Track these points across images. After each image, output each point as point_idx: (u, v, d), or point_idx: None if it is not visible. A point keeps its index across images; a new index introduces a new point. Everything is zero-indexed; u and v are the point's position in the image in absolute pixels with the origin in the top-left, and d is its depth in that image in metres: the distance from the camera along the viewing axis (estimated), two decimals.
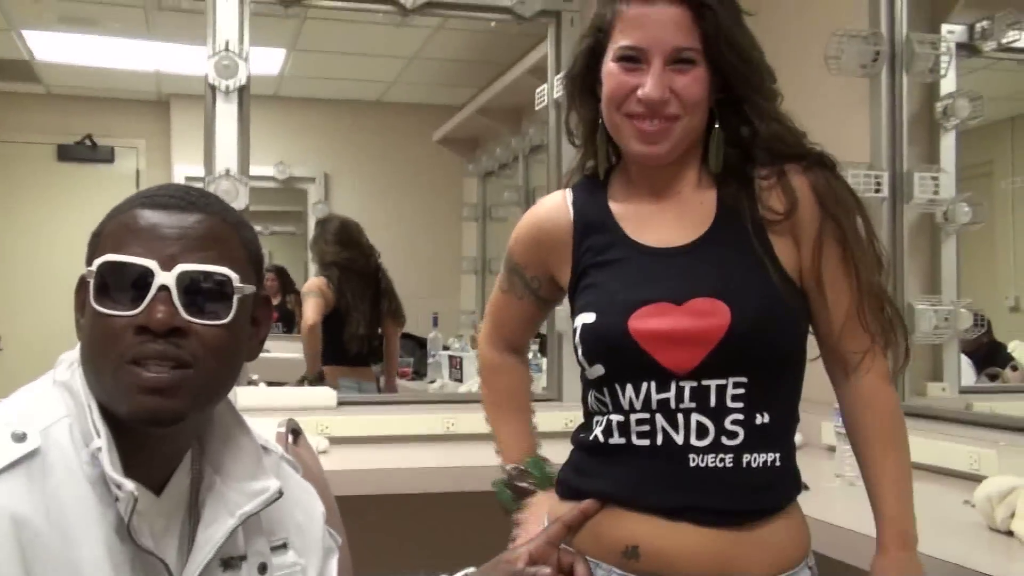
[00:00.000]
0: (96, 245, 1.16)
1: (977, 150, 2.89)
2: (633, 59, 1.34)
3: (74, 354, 1.19)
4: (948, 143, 2.78)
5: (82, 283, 1.17)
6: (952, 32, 2.76)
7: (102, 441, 1.08)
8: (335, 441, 2.85)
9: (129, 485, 1.06)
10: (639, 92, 1.33)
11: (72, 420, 1.12)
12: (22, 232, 6.15)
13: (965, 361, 2.87)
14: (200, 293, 1.12)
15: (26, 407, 1.13)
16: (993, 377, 2.98)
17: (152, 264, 1.10)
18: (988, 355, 2.93)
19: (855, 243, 1.36)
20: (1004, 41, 2.71)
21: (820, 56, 2.73)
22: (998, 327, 2.87)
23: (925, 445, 2.44)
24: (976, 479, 2.08)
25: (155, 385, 1.09)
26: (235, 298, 1.14)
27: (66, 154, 6.34)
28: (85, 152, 6.34)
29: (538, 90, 3.54)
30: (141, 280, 1.10)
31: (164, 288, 1.09)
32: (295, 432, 1.72)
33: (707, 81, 1.34)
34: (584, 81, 1.44)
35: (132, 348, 1.09)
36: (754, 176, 1.37)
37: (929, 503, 2.18)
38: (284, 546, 1.31)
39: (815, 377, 1.41)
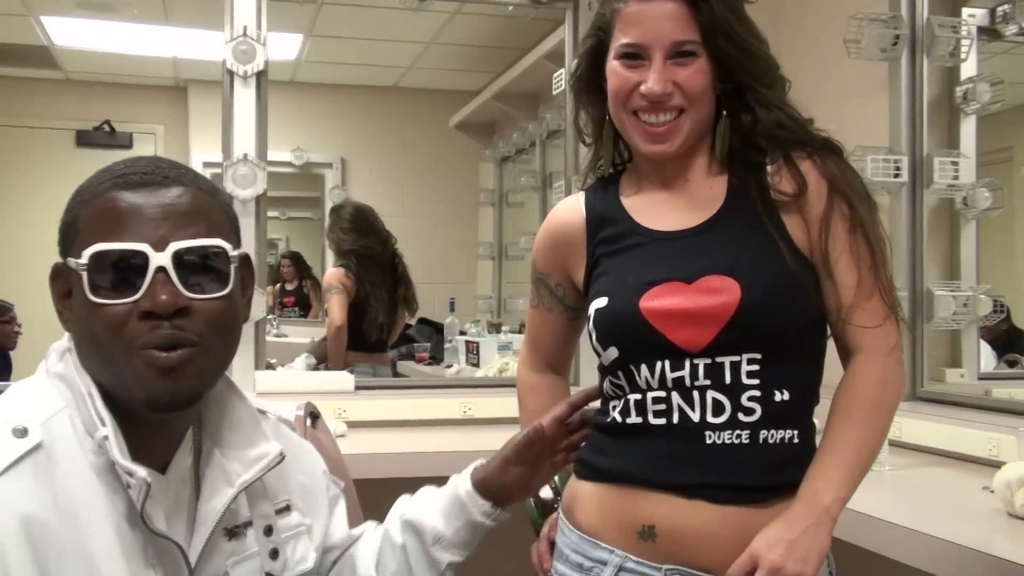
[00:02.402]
0: (75, 235, 1.13)
1: (997, 135, 2.86)
2: (634, 56, 1.37)
3: (64, 344, 1.18)
4: (968, 128, 2.76)
5: (58, 273, 1.16)
6: (973, 16, 2.74)
7: (108, 429, 1.08)
8: (352, 425, 2.86)
9: (141, 472, 1.06)
10: (642, 87, 1.36)
11: (72, 410, 1.11)
12: (42, 217, 6.16)
13: (985, 348, 2.86)
14: (196, 269, 1.11)
15: (23, 402, 1.13)
16: (1012, 363, 2.96)
17: (144, 247, 1.09)
18: (1008, 341, 2.92)
19: (868, 221, 1.36)
20: None
21: (840, 40, 2.71)
22: (1017, 313, 2.86)
23: (943, 431, 2.44)
24: (995, 465, 2.07)
25: (170, 364, 1.08)
26: (232, 268, 1.14)
27: (85, 140, 6.35)
28: (104, 138, 6.36)
29: (555, 75, 3.53)
30: (135, 265, 1.09)
31: (161, 270, 1.09)
32: (313, 415, 1.72)
33: (709, 72, 1.37)
34: (590, 80, 1.47)
35: (141, 335, 1.08)
36: (761, 162, 1.39)
37: (948, 489, 2.19)
38: (288, 508, 1.32)
39: (837, 363, 1.41)
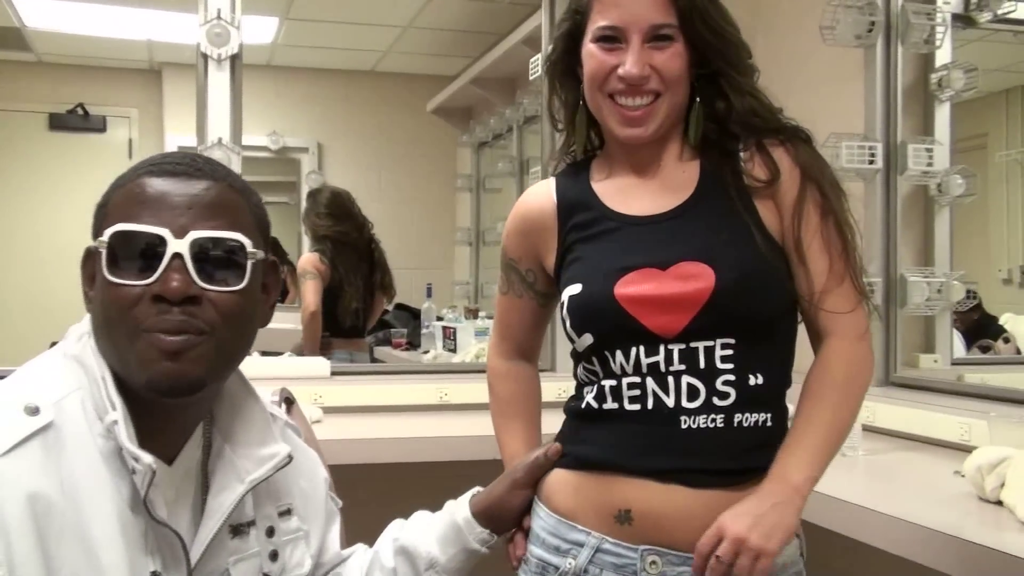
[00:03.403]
0: (104, 216, 1.15)
1: (972, 122, 2.89)
2: (612, 39, 1.37)
3: (83, 327, 1.19)
4: (942, 115, 2.78)
5: (89, 255, 1.17)
6: (948, 3, 2.75)
7: (118, 414, 1.09)
8: (328, 411, 2.85)
9: (147, 458, 1.07)
10: (619, 70, 1.36)
11: (84, 393, 1.12)
12: (14, 201, 6.12)
13: (956, 336, 2.88)
14: (213, 260, 1.12)
15: (38, 380, 1.13)
16: (985, 349, 2.99)
17: (164, 232, 1.10)
18: (979, 328, 2.94)
19: (838, 207, 1.38)
20: (1000, 12, 2.71)
21: (815, 26, 2.72)
22: (991, 299, 2.89)
23: (916, 416, 2.46)
24: (966, 450, 2.10)
25: (173, 348, 1.09)
26: (248, 264, 1.15)
27: (58, 123, 6.28)
28: (77, 121, 6.29)
29: (532, 60, 3.52)
30: (153, 249, 1.10)
31: (177, 256, 1.10)
32: (288, 401, 1.72)
33: (686, 57, 1.37)
34: (565, 64, 1.47)
35: (148, 318, 1.09)
36: (735, 149, 1.40)
37: (919, 473, 2.22)
38: (288, 512, 1.33)
39: (807, 347, 1.42)
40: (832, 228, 1.37)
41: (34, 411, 1.07)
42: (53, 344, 1.20)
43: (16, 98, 6.17)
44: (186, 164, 1.16)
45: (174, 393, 1.11)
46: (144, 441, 1.09)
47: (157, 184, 1.14)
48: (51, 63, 6.27)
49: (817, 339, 1.40)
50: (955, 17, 2.75)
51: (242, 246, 1.15)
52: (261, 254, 1.18)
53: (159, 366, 1.09)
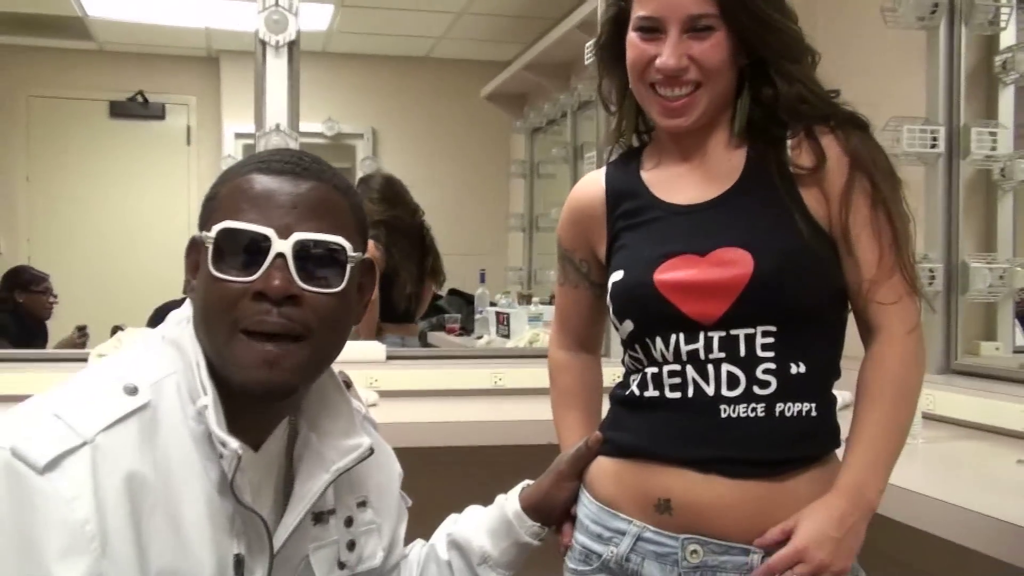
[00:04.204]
0: (212, 209, 1.18)
1: None
2: (651, 29, 1.36)
3: (183, 312, 1.21)
4: (1007, 98, 2.72)
5: (193, 244, 1.19)
6: None
7: (208, 399, 1.11)
8: (384, 394, 2.87)
9: (234, 443, 1.09)
10: (657, 62, 1.35)
11: (180, 377, 1.14)
12: (76, 188, 6.24)
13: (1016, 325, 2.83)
14: (315, 261, 1.14)
15: (137, 362, 1.16)
16: None
17: (269, 232, 1.12)
18: None
19: (890, 196, 1.35)
20: None
21: (877, 8, 2.68)
22: None
23: (977, 404, 2.42)
24: None
25: (270, 359, 1.11)
26: (348, 267, 1.17)
27: (118, 110, 6.39)
28: (137, 109, 6.39)
29: (587, 45, 3.50)
30: (257, 247, 1.12)
31: (281, 256, 1.12)
32: (347, 384, 1.73)
33: (727, 46, 1.35)
34: (613, 49, 1.46)
35: (248, 316, 1.11)
36: (782, 136, 1.37)
37: (981, 462, 2.18)
38: (364, 503, 1.35)
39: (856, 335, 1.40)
40: (883, 218, 1.34)
41: (133, 391, 1.10)
42: (116, 328, 1.22)
43: (78, 86, 6.28)
44: (293, 163, 1.18)
45: (268, 399, 1.15)
46: (233, 427, 1.12)
47: (265, 181, 1.16)
48: (112, 51, 6.38)
49: (867, 332, 1.37)
50: None
51: (343, 249, 1.16)
52: (360, 255, 1.20)
53: (254, 372, 1.11)
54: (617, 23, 1.43)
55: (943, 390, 2.51)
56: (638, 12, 1.37)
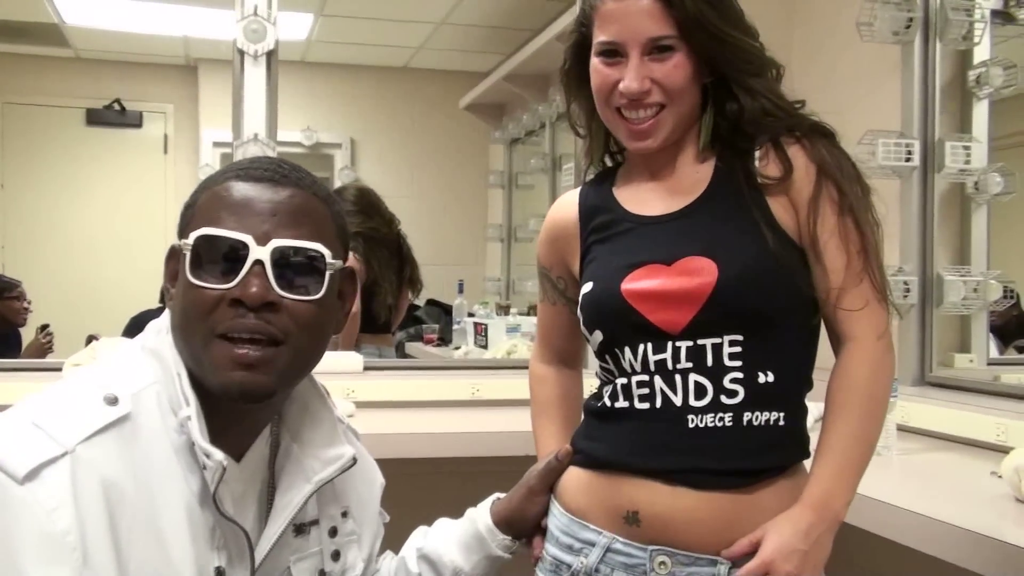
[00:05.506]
0: (191, 216, 1.17)
1: (1010, 120, 2.85)
2: (613, 53, 1.38)
3: (162, 322, 1.20)
4: (981, 112, 2.75)
5: (173, 253, 1.19)
6: None
7: (191, 410, 1.11)
8: (361, 405, 2.86)
9: (218, 455, 1.09)
10: (620, 86, 1.36)
11: (160, 387, 1.14)
12: (52, 195, 6.19)
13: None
14: (293, 268, 1.14)
15: (117, 372, 1.15)
16: (1022, 350, 2.96)
17: (247, 239, 1.12)
18: (1018, 327, 2.91)
19: (856, 203, 1.35)
20: None
21: (852, 22, 2.70)
22: None
23: (952, 416, 2.44)
24: (1003, 450, 2.08)
25: (246, 361, 1.11)
26: (327, 274, 1.16)
27: (95, 118, 6.34)
28: (114, 116, 6.35)
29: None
30: (235, 254, 1.12)
31: (259, 263, 1.11)
32: None
33: (689, 66, 1.36)
34: (578, 73, 1.48)
35: (225, 321, 1.11)
36: (749, 148, 1.39)
37: (955, 474, 2.20)
38: (345, 514, 1.35)
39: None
40: (850, 225, 1.35)
41: (113, 401, 1.09)
42: (91, 338, 1.22)
43: (54, 93, 6.23)
44: (273, 170, 1.17)
45: (245, 400, 1.14)
46: (215, 437, 1.11)
47: (243, 189, 1.15)
48: (89, 59, 6.33)
49: (837, 341, 1.38)
50: (994, 13, 2.72)
51: (322, 256, 1.16)
52: (340, 263, 1.19)
53: (232, 374, 1.11)
54: (580, 48, 1.45)
55: (917, 402, 2.53)
56: (599, 37, 1.39)
